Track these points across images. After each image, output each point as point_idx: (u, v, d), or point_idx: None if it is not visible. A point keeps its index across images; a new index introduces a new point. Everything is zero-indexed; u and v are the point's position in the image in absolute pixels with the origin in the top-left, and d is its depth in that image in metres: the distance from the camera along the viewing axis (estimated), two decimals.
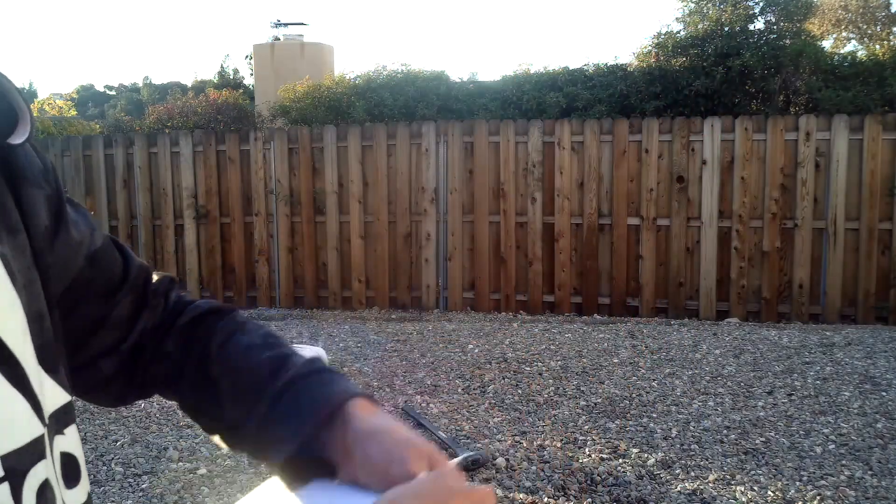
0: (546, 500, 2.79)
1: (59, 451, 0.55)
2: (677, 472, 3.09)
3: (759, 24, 7.94)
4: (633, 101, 7.25)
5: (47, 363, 0.55)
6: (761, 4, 7.94)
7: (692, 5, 8.21)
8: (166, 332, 0.74)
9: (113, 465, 3.15)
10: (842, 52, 10.12)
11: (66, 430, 0.56)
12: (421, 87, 7.77)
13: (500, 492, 2.86)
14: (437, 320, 6.45)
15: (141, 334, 0.73)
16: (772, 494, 2.87)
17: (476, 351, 5.18)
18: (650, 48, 7.89)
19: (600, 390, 4.23)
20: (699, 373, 4.58)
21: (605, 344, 5.35)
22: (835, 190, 6.17)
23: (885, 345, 5.21)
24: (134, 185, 7.47)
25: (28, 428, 0.50)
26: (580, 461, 3.16)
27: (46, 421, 0.53)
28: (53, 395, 0.55)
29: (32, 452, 0.50)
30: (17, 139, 0.56)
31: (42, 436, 0.52)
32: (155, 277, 0.77)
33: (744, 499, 2.84)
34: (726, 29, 7.53)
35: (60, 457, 0.55)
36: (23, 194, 0.59)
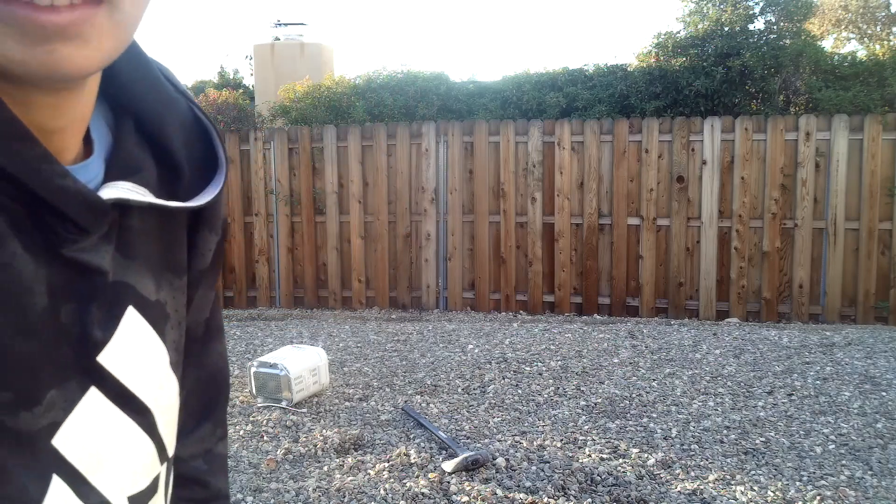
0: (546, 500, 2.79)
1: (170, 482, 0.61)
2: (677, 472, 3.09)
3: (759, 24, 7.94)
4: (633, 101, 7.25)
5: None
6: (761, 4, 7.94)
7: (692, 5, 8.21)
8: None
9: None
10: (842, 52, 10.12)
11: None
12: (421, 87, 7.76)
13: (500, 492, 2.86)
14: (437, 320, 6.45)
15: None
16: (772, 494, 2.87)
17: (476, 351, 5.18)
18: (650, 48, 7.89)
19: (600, 390, 4.23)
20: (699, 373, 4.58)
21: (605, 344, 5.35)
22: (835, 190, 6.17)
23: (885, 345, 5.21)
24: None
25: (151, 469, 0.55)
26: (580, 461, 3.16)
27: (167, 459, 0.58)
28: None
29: (151, 490, 0.55)
30: (213, 192, 0.57)
31: (159, 474, 0.57)
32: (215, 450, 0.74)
33: (744, 499, 2.84)
34: (726, 29, 7.52)
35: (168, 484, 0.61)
36: (198, 235, 0.61)
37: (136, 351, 0.52)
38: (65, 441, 0.47)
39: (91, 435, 0.49)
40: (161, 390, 0.55)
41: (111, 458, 0.51)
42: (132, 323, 0.52)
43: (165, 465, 0.57)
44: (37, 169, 0.43)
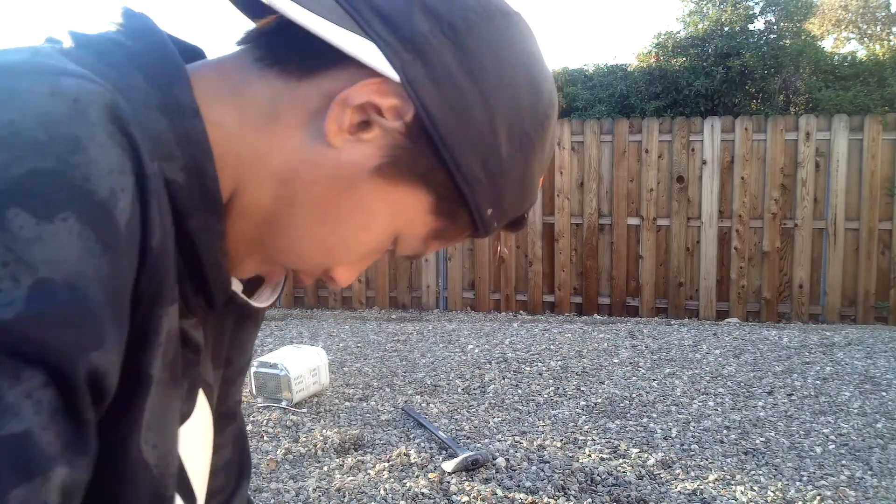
0: (546, 500, 2.79)
1: None
2: (677, 472, 3.09)
3: (759, 24, 7.94)
4: (633, 101, 7.25)
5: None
6: (761, 4, 7.94)
7: (692, 5, 8.21)
8: None
9: None
10: (842, 52, 10.12)
11: None
12: None
13: (500, 492, 2.86)
14: (437, 320, 6.45)
15: None
16: (772, 494, 2.87)
17: (476, 351, 5.18)
18: (650, 48, 7.89)
19: (600, 390, 4.23)
20: (699, 373, 4.58)
21: (605, 344, 5.35)
22: (835, 190, 6.17)
23: (885, 345, 5.21)
24: None
25: None
26: (580, 461, 3.15)
27: None
28: None
29: None
30: (276, 293, 0.58)
31: None
32: None
33: (744, 499, 2.84)
34: (726, 29, 7.52)
35: None
36: (242, 328, 0.60)
37: (197, 436, 0.52)
38: None
39: None
40: (206, 477, 0.55)
41: None
42: (200, 406, 0.52)
43: None
44: (214, 243, 0.46)
